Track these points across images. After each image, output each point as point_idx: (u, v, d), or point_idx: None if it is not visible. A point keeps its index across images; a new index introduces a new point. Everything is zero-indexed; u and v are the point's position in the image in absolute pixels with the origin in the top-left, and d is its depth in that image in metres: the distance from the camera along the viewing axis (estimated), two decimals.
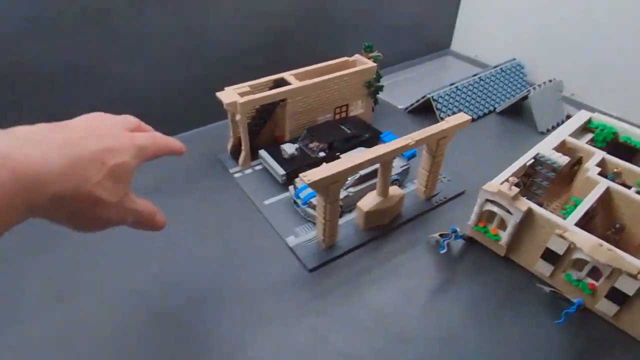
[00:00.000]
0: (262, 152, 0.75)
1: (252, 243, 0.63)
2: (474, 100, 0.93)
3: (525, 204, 0.54)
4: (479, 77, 0.94)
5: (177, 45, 0.78)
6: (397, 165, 0.71)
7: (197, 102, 0.84)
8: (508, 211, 0.56)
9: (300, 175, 0.52)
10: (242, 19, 0.83)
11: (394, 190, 0.65)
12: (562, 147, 0.67)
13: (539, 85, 0.88)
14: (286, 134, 0.79)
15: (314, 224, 0.66)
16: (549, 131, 0.89)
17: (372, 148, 0.57)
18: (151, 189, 0.73)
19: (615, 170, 0.63)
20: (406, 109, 0.95)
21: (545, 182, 0.63)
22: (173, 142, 0.41)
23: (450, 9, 1.19)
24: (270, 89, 0.76)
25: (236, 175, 0.76)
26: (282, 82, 0.76)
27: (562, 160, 0.62)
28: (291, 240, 0.63)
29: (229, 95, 0.70)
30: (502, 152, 0.83)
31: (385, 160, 0.58)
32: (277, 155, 0.74)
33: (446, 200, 0.71)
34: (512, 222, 0.56)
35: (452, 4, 1.18)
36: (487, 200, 0.57)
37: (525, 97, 0.88)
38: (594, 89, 0.97)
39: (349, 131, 0.77)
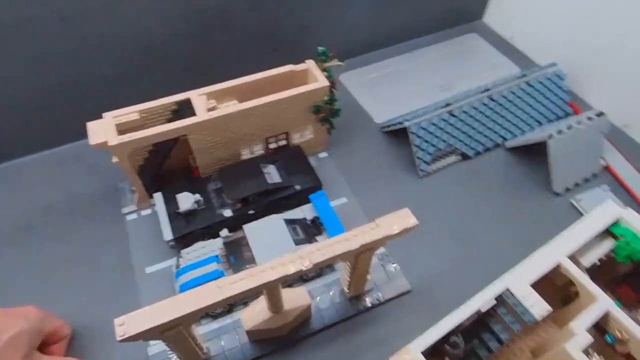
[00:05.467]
0: (157, 196, 0.57)
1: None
2: (476, 130, 0.67)
3: None
4: (489, 97, 0.67)
5: (48, 39, 0.57)
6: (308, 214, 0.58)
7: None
8: None
9: (116, 322, 0.37)
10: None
11: (296, 297, 0.48)
12: (556, 272, 0.45)
13: (569, 127, 0.61)
14: (199, 169, 0.60)
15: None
16: (569, 191, 0.64)
17: (240, 275, 0.39)
18: (21, 228, 0.59)
19: (619, 334, 0.42)
20: (382, 127, 0.71)
21: (505, 336, 0.43)
22: None
23: None
24: (173, 113, 0.56)
25: (129, 217, 0.60)
26: (185, 108, 0.55)
27: (539, 310, 0.41)
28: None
29: (101, 129, 0.52)
30: (500, 224, 0.60)
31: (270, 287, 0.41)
32: (172, 205, 0.56)
33: (380, 303, 0.53)
34: None
35: None
36: None
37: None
38: None
39: (272, 181, 0.57)
